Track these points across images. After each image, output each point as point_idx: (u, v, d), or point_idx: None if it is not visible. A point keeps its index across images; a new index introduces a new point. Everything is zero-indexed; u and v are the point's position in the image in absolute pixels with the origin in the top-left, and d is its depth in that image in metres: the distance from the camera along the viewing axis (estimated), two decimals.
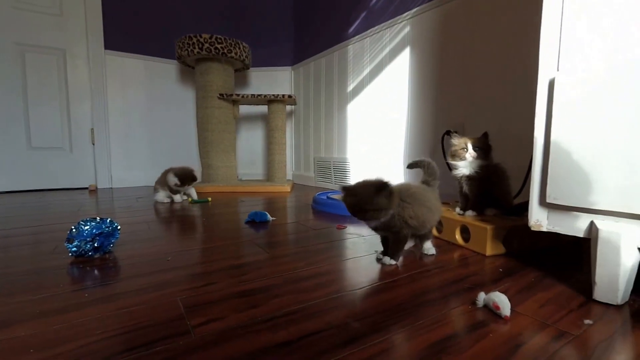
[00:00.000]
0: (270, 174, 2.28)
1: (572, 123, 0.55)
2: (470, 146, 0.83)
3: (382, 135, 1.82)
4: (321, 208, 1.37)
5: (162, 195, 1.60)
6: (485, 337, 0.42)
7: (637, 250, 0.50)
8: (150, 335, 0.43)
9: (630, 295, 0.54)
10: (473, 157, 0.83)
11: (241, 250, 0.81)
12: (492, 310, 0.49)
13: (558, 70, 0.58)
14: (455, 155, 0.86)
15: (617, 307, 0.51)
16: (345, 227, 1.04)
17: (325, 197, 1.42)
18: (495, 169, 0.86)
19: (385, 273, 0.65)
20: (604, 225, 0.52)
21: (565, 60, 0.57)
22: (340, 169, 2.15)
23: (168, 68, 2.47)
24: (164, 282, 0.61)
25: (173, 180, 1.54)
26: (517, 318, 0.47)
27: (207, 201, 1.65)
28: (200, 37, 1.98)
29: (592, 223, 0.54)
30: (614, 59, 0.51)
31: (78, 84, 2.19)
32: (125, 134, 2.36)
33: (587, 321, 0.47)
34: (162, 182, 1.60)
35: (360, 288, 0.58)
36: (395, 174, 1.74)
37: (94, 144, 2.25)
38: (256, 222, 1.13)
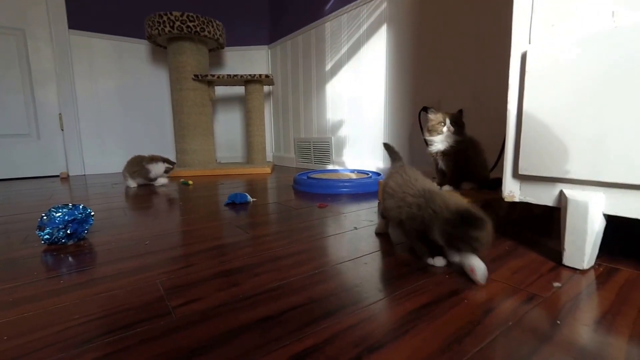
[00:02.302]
0: (249, 156, 2.25)
1: (542, 95, 0.56)
2: (448, 120, 0.84)
3: (361, 113, 1.82)
4: (302, 188, 1.37)
5: (130, 182, 1.59)
6: (459, 304, 0.44)
7: (602, 216, 0.53)
8: (130, 318, 0.42)
9: (596, 259, 0.57)
10: (450, 132, 0.84)
11: (221, 232, 0.80)
12: (467, 274, 0.51)
13: (530, 43, 0.58)
14: (432, 130, 0.87)
15: (584, 271, 0.54)
16: (326, 206, 1.05)
17: (305, 177, 1.41)
18: (469, 143, 0.88)
19: (366, 248, 0.66)
20: (573, 194, 0.54)
21: (537, 33, 0.57)
22: (321, 148, 2.15)
23: (139, 48, 2.33)
24: (142, 266, 0.59)
25: (162, 167, 1.60)
26: (490, 284, 0.50)
27: (188, 184, 1.65)
28: (171, 15, 1.87)
29: (561, 192, 0.56)
30: (581, 32, 0.52)
31: (41, 67, 2.04)
32: (96, 118, 2.24)
33: (556, 284, 0.49)
34: (131, 172, 1.57)
35: (340, 263, 0.59)
36: (375, 152, 1.75)
37: (63, 130, 2.13)
38: (236, 204, 1.11)
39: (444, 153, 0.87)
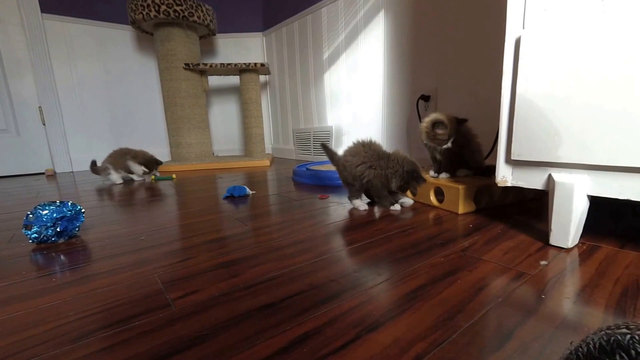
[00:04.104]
0: (248, 148, 2.22)
1: (534, 80, 0.57)
2: (450, 141, 0.84)
3: (360, 102, 1.81)
4: (302, 180, 1.36)
5: (115, 177, 1.54)
6: (453, 284, 0.46)
7: (586, 197, 0.55)
8: (128, 312, 0.42)
9: (580, 238, 0.60)
10: (449, 146, 0.86)
11: (220, 225, 0.80)
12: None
13: (523, 28, 0.59)
14: (433, 140, 0.86)
15: (569, 249, 0.56)
16: (327, 197, 1.05)
17: (305, 169, 1.41)
18: (463, 132, 0.89)
19: (365, 235, 0.68)
20: (560, 177, 0.56)
21: (530, 18, 0.58)
22: (321, 139, 2.13)
23: (122, 35, 2.22)
24: (139, 261, 0.59)
25: (140, 169, 1.55)
26: (483, 265, 0.52)
27: (172, 178, 1.61)
28: None
29: (549, 176, 0.58)
30: (572, 17, 0.52)
31: (14, 56, 1.92)
32: (80, 111, 2.15)
33: (542, 262, 0.52)
34: (115, 163, 1.53)
35: (340, 250, 0.60)
36: (376, 140, 1.76)
37: (45, 124, 2.04)
38: (235, 196, 1.11)
39: (441, 152, 0.88)
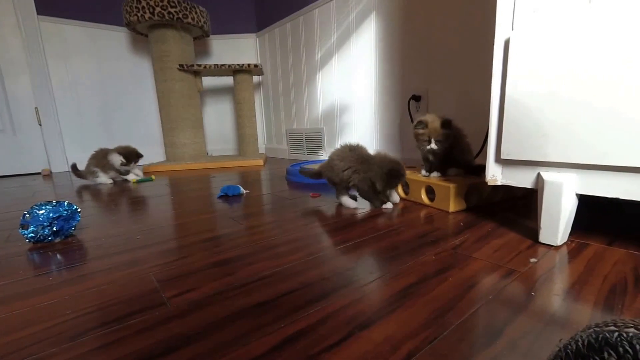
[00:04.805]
0: (241, 148, 2.23)
1: (523, 81, 0.58)
2: (433, 141, 0.85)
3: (352, 102, 1.82)
4: (295, 179, 1.37)
5: (104, 178, 1.52)
6: (444, 282, 0.47)
7: (575, 196, 0.56)
8: (124, 310, 0.43)
9: (569, 236, 0.61)
10: (433, 148, 0.86)
11: (214, 224, 0.80)
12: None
13: (512, 29, 0.60)
14: (419, 141, 0.89)
15: (558, 247, 0.58)
16: (319, 195, 1.06)
17: (298, 168, 1.42)
18: (454, 132, 0.89)
19: (357, 234, 0.68)
20: (549, 176, 0.57)
21: (519, 20, 0.59)
22: (313, 139, 2.14)
23: (117, 36, 2.23)
24: (134, 260, 0.59)
25: (118, 159, 1.49)
26: (474, 262, 0.52)
27: (151, 179, 1.60)
28: None
29: (538, 174, 0.59)
30: (559, 18, 0.53)
31: (10, 57, 1.93)
32: (76, 111, 2.16)
33: (532, 260, 0.53)
34: (102, 164, 1.50)
35: (332, 249, 0.61)
36: (367, 140, 1.77)
37: (40, 125, 2.04)
38: (229, 196, 1.11)
39: (430, 152, 0.89)
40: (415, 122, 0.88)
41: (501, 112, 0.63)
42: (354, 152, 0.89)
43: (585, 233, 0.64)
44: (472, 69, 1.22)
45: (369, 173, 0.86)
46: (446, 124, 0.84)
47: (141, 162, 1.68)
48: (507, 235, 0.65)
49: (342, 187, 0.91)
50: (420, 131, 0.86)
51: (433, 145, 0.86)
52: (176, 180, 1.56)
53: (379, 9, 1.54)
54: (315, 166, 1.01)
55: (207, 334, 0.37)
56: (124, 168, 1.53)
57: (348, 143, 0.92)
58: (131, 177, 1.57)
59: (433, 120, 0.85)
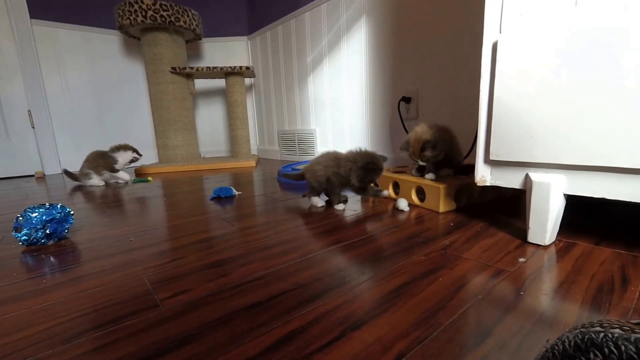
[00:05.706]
0: (234, 150, 2.23)
1: (511, 83, 0.59)
2: (419, 161, 0.88)
3: (343, 104, 1.83)
4: (287, 180, 1.38)
5: (96, 180, 1.52)
6: (434, 282, 0.48)
7: (562, 196, 0.58)
8: (118, 312, 0.43)
9: (557, 236, 0.63)
10: (421, 163, 0.89)
11: (207, 225, 0.81)
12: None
13: (500, 32, 0.61)
14: (410, 156, 0.91)
15: (546, 247, 0.59)
16: None
17: (290, 169, 1.43)
18: (443, 134, 0.91)
19: (349, 235, 0.69)
20: (537, 176, 0.58)
21: (507, 23, 0.60)
22: (305, 140, 2.16)
23: (110, 40, 2.23)
24: (128, 262, 0.60)
25: (130, 155, 1.56)
26: (463, 262, 0.53)
27: (147, 181, 1.61)
28: (142, 3, 1.79)
29: (527, 175, 0.60)
30: (546, 21, 0.55)
31: (3, 60, 1.92)
32: (69, 114, 2.15)
33: (521, 259, 0.54)
34: (95, 167, 1.52)
35: (325, 250, 0.61)
36: (358, 141, 1.78)
37: (34, 128, 2.02)
38: (222, 197, 1.11)
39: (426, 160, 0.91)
40: (418, 143, 0.86)
41: (490, 114, 0.64)
42: (332, 154, 0.92)
43: (573, 233, 0.65)
44: (461, 70, 1.24)
45: (341, 169, 0.87)
46: (425, 146, 0.84)
47: (134, 164, 1.69)
48: (496, 235, 0.66)
49: (316, 188, 0.94)
50: (404, 153, 0.89)
51: (420, 162, 0.88)
52: (169, 182, 1.55)
53: (369, 13, 1.56)
54: (302, 167, 1.03)
55: (201, 336, 0.37)
56: (121, 168, 1.57)
57: (328, 150, 0.96)
58: (126, 177, 1.58)
59: (418, 138, 0.86)
